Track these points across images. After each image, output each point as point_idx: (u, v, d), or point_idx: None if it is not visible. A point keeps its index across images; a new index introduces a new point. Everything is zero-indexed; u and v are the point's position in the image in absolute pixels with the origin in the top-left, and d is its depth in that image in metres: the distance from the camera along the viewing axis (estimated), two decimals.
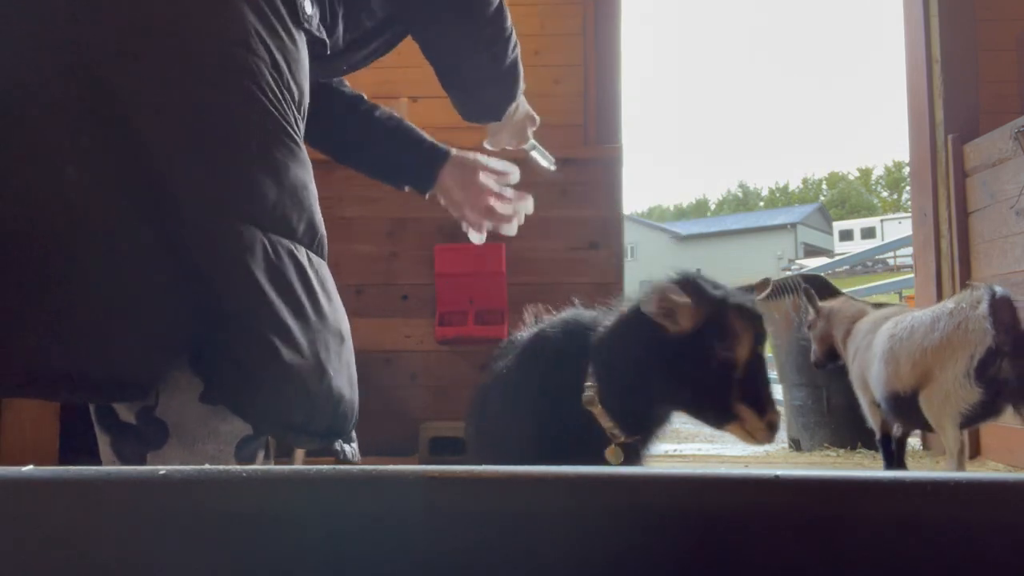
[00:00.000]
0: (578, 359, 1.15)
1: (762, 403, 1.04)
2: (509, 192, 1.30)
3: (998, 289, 1.92)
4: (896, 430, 2.36)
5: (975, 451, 3.06)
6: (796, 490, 0.36)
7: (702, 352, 1.04)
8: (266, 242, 0.86)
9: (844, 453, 3.23)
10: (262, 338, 0.84)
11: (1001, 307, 1.87)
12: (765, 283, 1.07)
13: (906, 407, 2.11)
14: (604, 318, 1.20)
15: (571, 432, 1.14)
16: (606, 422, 1.13)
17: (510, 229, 1.32)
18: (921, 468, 2.96)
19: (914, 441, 3.52)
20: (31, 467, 0.36)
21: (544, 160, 1.38)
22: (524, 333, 1.32)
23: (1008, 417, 2.15)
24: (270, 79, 0.89)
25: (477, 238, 1.32)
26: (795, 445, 3.50)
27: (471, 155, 1.29)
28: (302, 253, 0.91)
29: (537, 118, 1.31)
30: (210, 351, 0.84)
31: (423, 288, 3.15)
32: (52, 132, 0.82)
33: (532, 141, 1.34)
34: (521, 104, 1.26)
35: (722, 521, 0.35)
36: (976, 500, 0.35)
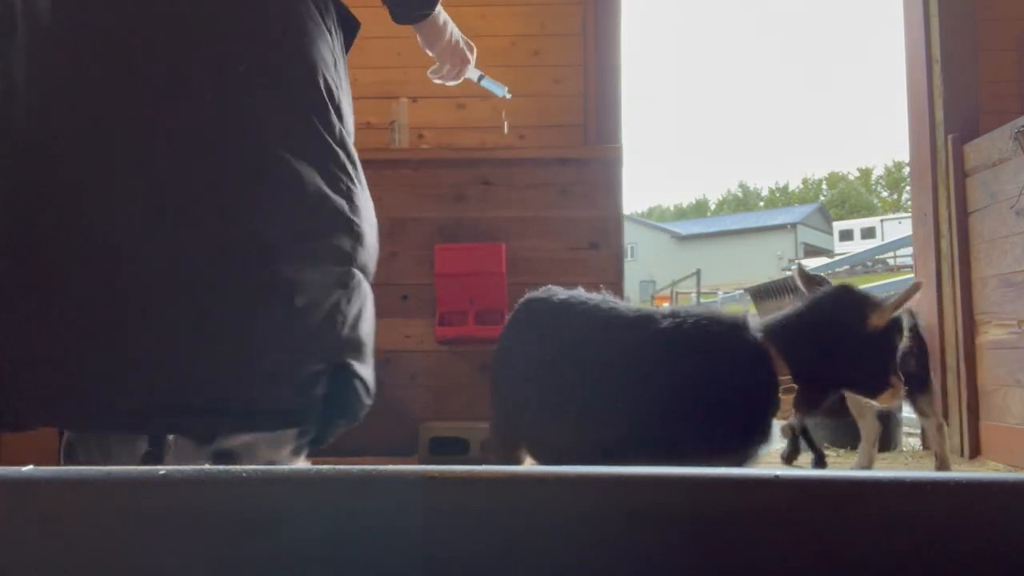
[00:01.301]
0: (757, 352, 1.37)
1: (900, 376, 1.47)
2: None
3: None
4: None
5: (975, 451, 3.06)
6: (796, 490, 0.36)
7: (890, 343, 1.45)
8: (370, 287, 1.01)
9: (844, 453, 3.23)
10: (369, 368, 0.97)
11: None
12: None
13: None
14: (746, 318, 1.45)
15: (755, 416, 1.36)
16: (786, 406, 1.35)
17: None
18: (921, 468, 2.96)
19: (914, 441, 3.52)
20: (31, 467, 0.36)
21: (497, 89, 1.37)
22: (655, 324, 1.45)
23: (1008, 417, 2.19)
24: (350, 138, 1.04)
25: None
26: None
27: None
28: None
29: (473, 45, 1.30)
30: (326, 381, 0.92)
31: (423, 288, 3.15)
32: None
33: (479, 72, 1.32)
34: (454, 31, 1.25)
35: (722, 521, 0.35)
36: (976, 500, 0.35)
